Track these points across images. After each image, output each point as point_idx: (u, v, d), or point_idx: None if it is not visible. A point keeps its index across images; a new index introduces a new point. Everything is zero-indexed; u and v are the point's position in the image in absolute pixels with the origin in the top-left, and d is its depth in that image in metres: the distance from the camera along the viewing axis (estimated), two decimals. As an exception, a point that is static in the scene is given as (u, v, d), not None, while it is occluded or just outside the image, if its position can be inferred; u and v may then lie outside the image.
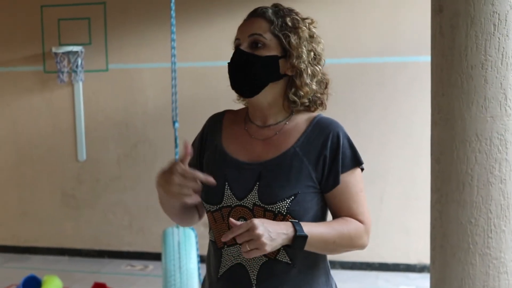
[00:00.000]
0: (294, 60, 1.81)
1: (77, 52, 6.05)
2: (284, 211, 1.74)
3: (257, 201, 1.76)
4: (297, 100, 1.84)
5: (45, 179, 6.39)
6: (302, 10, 1.92)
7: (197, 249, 4.31)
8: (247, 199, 1.78)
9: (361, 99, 5.61)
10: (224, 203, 1.80)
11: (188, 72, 5.83)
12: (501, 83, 2.10)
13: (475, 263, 2.17)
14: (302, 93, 1.83)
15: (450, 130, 2.18)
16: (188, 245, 4.19)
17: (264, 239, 1.62)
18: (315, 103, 1.88)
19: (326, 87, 1.91)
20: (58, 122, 6.30)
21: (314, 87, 1.85)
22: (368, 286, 5.41)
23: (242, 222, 1.67)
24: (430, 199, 2.32)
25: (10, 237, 6.53)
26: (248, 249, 1.63)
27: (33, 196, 6.43)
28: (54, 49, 6.05)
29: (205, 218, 1.96)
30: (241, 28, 1.86)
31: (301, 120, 1.87)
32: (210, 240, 1.90)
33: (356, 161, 1.82)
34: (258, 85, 1.82)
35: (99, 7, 6.08)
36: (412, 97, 5.49)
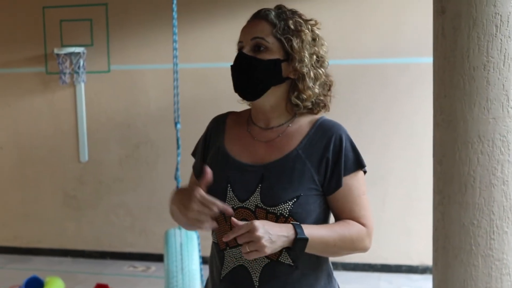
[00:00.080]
0: (297, 64, 1.81)
1: (79, 53, 6.06)
2: (286, 213, 1.74)
3: (259, 203, 1.76)
4: (300, 103, 1.84)
5: (47, 180, 6.39)
6: (305, 11, 1.92)
7: (199, 251, 4.31)
8: (250, 201, 1.78)
9: (363, 100, 5.61)
10: (227, 205, 1.80)
11: (190, 73, 5.83)
12: (503, 85, 2.10)
13: (477, 265, 2.17)
14: (305, 97, 1.83)
15: (452, 132, 2.18)
16: (190, 247, 4.19)
17: (264, 241, 1.63)
18: (318, 105, 1.88)
19: (329, 89, 1.91)
20: (60, 123, 6.30)
21: (316, 90, 1.85)
22: (370, 287, 5.40)
23: (243, 222, 1.67)
24: (432, 201, 2.32)
25: (13, 238, 6.54)
26: (248, 250, 1.64)
27: (35, 197, 6.44)
28: (56, 50, 6.06)
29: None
30: (244, 31, 1.86)
31: (304, 122, 1.87)
32: (213, 242, 1.90)
33: (358, 164, 1.82)
34: (260, 89, 1.82)
35: (101, 8, 6.08)
36: (414, 99, 5.49)
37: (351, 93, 5.48)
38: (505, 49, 2.09)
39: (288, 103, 1.86)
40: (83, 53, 6.07)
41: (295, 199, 1.75)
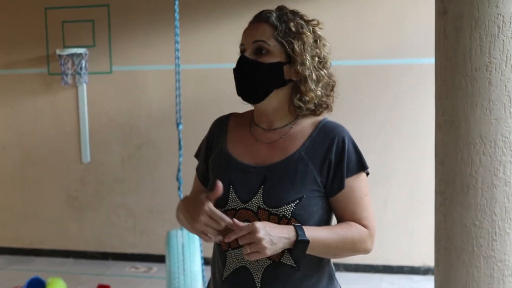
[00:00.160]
0: (298, 67, 1.80)
1: (81, 54, 6.06)
2: (288, 214, 1.74)
3: (262, 204, 1.77)
4: (303, 105, 1.84)
5: (49, 181, 6.40)
6: (307, 12, 1.91)
7: (201, 251, 4.31)
8: (252, 202, 1.78)
9: (366, 101, 5.61)
10: (229, 206, 1.80)
11: (192, 74, 5.83)
12: (505, 85, 2.10)
13: (479, 266, 2.16)
14: (307, 99, 1.83)
15: (454, 133, 2.18)
16: (192, 248, 4.19)
17: (265, 242, 1.63)
18: (321, 106, 1.88)
19: (332, 90, 1.91)
20: (62, 124, 6.30)
21: (319, 92, 1.84)
22: (372, 288, 5.40)
23: (245, 224, 1.67)
24: (434, 202, 2.32)
25: (15, 239, 6.54)
26: (249, 251, 1.64)
27: (37, 198, 6.44)
28: (58, 51, 6.06)
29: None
30: (245, 33, 1.86)
31: (307, 124, 1.87)
32: (215, 243, 1.90)
33: (361, 166, 1.82)
34: (263, 92, 1.82)
35: (103, 9, 6.09)
36: (417, 99, 5.48)
37: (353, 94, 5.48)
38: (507, 50, 2.09)
39: (291, 105, 1.86)
40: (85, 54, 6.08)
41: (297, 201, 1.75)
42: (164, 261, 4.36)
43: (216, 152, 1.92)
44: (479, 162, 2.13)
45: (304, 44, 1.81)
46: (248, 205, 1.78)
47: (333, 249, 1.77)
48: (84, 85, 6.17)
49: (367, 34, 5.59)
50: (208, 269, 2.03)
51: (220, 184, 1.72)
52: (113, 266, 6.11)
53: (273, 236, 1.65)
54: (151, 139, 6.11)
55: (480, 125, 2.12)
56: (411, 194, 5.58)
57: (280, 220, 1.74)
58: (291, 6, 1.89)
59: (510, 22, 2.08)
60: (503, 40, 2.08)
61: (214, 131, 1.96)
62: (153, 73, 6.06)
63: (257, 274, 1.80)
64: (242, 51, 1.85)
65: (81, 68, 6.07)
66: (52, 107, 6.32)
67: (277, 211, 1.75)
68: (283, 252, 1.75)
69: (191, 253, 4.17)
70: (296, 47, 1.80)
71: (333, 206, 1.83)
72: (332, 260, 1.93)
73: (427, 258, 5.40)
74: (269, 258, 1.77)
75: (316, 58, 1.84)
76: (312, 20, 1.88)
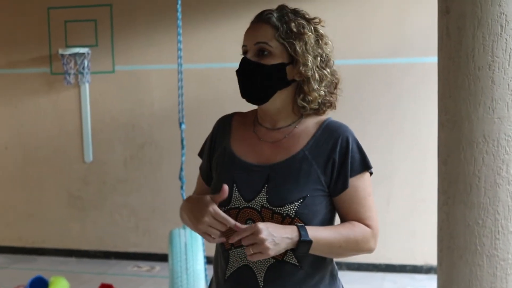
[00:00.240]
0: (301, 67, 1.80)
1: (83, 53, 6.07)
2: (292, 214, 1.74)
3: (265, 203, 1.77)
4: (306, 105, 1.84)
5: (52, 180, 6.40)
6: (309, 11, 1.90)
7: (204, 250, 4.31)
8: (255, 201, 1.78)
9: (368, 101, 5.61)
10: (232, 204, 1.80)
11: (194, 74, 5.84)
12: (508, 84, 2.09)
13: (482, 265, 2.16)
14: (311, 98, 1.83)
15: (457, 132, 2.18)
16: (194, 246, 4.19)
17: (268, 243, 1.64)
18: (324, 105, 1.88)
19: (335, 88, 1.90)
20: (65, 124, 6.31)
21: (322, 92, 1.84)
22: (374, 287, 5.40)
23: (246, 225, 1.68)
24: (437, 201, 2.32)
25: (17, 239, 6.55)
26: (252, 252, 1.65)
27: (40, 197, 6.45)
28: (60, 51, 6.07)
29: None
30: (247, 34, 1.85)
31: (311, 123, 1.87)
32: (218, 241, 1.90)
33: (365, 165, 1.82)
34: (266, 94, 1.82)
35: (106, 9, 6.09)
36: (419, 99, 5.48)
37: (356, 93, 5.48)
38: (510, 48, 2.09)
39: (295, 105, 1.86)
40: (88, 53, 6.08)
41: (301, 200, 1.75)
42: (167, 260, 4.37)
43: (219, 151, 1.92)
44: (482, 161, 2.13)
45: (305, 44, 1.80)
46: (251, 204, 1.78)
47: (336, 249, 1.77)
48: (87, 85, 6.18)
49: (369, 33, 5.58)
50: (211, 268, 2.03)
51: (226, 187, 1.72)
52: (116, 265, 6.12)
53: (276, 236, 1.66)
54: (154, 138, 6.11)
55: (483, 124, 2.12)
56: (414, 193, 5.58)
57: (284, 219, 1.74)
58: (292, 5, 1.88)
59: (513, 21, 2.08)
60: (506, 39, 2.08)
61: (218, 130, 1.97)
62: (155, 73, 6.07)
63: (259, 273, 1.80)
64: (244, 53, 1.85)
65: (83, 68, 6.07)
66: (54, 107, 6.33)
67: (280, 210, 1.75)
68: (286, 251, 1.75)
69: (194, 252, 4.18)
70: (297, 48, 1.79)
71: (337, 205, 1.83)
72: (335, 259, 1.93)
73: (430, 257, 5.40)
74: (272, 256, 1.77)
75: (319, 58, 1.83)
76: (314, 18, 1.87)
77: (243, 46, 1.85)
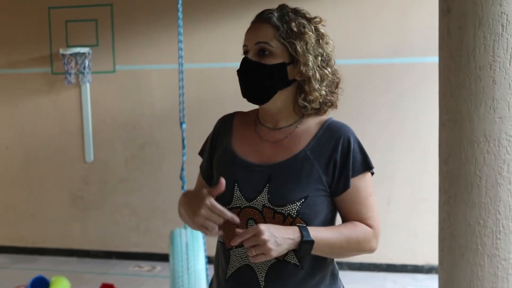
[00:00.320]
0: (302, 67, 1.80)
1: (84, 53, 6.07)
2: (294, 213, 1.74)
3: (267, 203, 1.77)
4: (307, 105, 1.84)
5: (53, 180, 6.41)
6: (310, 10, 1.90)
7: (205, 250, 4.31)
8: (257, 201, 1.78)
9: (369, 100, 5.61)
10: (234, 204, 1.80)
11: (194, 74, 5.84)
12: (509, 84, 2.09)
13: (483, 264, 2.16)
14: (312, 98, 1.83)
15: (458, 131, 2.17)
16: (196, 246, 4.19)
17: (270, 244, 1.64)
18: (326, 104, 1.88)
19: (337, 87, 1.90)
20: (66, 124, 6.32)
21: (323, 92, 1.84)
22: (375, 287, 5.40)
23: (247, 228, 1.68)
24: (438, 200, 2.32)
25: (18, 238, 6.55)
26: (254, 254, 1.65)
27: (41, 197, 6.45)
28: (61, 51, 6.07)
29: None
30: (248, 34, 1.85)
31: (312, 123, 1.87)
32: (219, 241, 1.90)
33: (366, 166, 1.82)
34: (267, 93, 1.82)
35: (106, 8, 6.09)
36: (420, 98, 5.48)
37: (356, 93, 5.48)
38: (511, 48, 2.09)
39: (296, 104, 1.86)
40: (89, 53, 6.09)
41: (303, 200, 1.75)
42: (168, 260, 4.37)
43: (220, 151, 1.92)
44: (483, 160, 2.13)
45: (306, 44, 1.80)
46: (253, 204, 1.78)
47: (338, 249, 1.77)
48: (88, 85, 6.18)
49: (370, 33, 5.58)
50: (212, 267, 2.03)
51: (223, 181, 1.72)
52: (117, 265, 6.12)
53: (278, 237, 1.66)
54: (155, 138, 6.12)
55: (484, 123, 2.12)
56: (415, 193, 5.58)
57: (285, 219, 1.74)
58: (293, 5, 1.88)
59: (514, 20, 2.08)
60: (507, 39, 2.08)
61: (219, 130, 1.96)
62: (156, 73, 6.07)
63: (261, 273, 1.80)
64: (245, 52, 1.85)
65: (84, 68, 6.08)
66: (55, 107, 6.33)
67: (282, 209, 1.75)
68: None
69: (195, 252, 4.18)
70: (298, 47, 1.79)
71: (338, 205, 1.83)
72: (336, 259, 1.93)
73: (431, 257, 5.40)
74: (273, 257, 1.77)
75: (319, 57, 1.83)
76: (315, 17, 1.87)
77: (244, 46, 1.85)
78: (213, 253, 1.99)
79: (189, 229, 4.22)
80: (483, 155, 2.13)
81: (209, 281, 2.05)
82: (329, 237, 1.74)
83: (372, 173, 1.85)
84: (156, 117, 6.10)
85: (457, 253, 2.21)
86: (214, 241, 1.97)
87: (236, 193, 1.81)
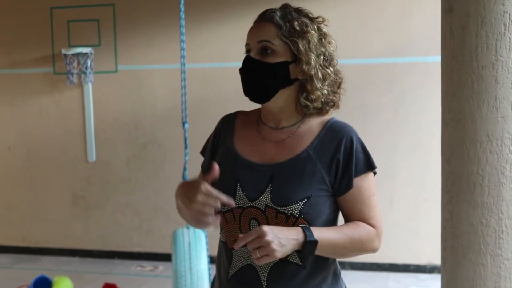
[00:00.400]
0: (304, 66, 1.80)
1: (86, 53, 6.07)
2: (296, 213, 1.74)
3: (269, 203, 1.77)
4: (309, 104, 1.84)
5: (55, 180, 6.41)
6: (312, 10, 1.90)
7: (207, 250, 4.31)
8: (259, 200, 1.78)
9: (371, 100, 5.60)
10: (236, 203, 1.80)
11: (196, 74, 5.84)
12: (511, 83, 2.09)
13: (486, 264, 2.16)
14: (314, 97, 1.83)
15: (460, 131, 2.17)
16: (198, 246, 4.19)
17: (274, 245, 1.64)
18: (328, 104, 1.87)
19: (339, 87, 1.90)
20: (68, 124, 6.32)
21: (325, 91, 1.84)
22: (378, 287, 5.40)
23: (250, 230, 1.68)
24: (440, 200, 2.32)
25: (21, 238, 6.56)
26: (259, 255, 1.64)
27: (43, 197, 6.46)
28: (63, 51, 6.08)
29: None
30: (250, 33, 1.85)
31: (315, 123, 1.86)
32: (221, 241, 1.90)
33: (369, 166, 1.82)
34: (269, 92, 1.82)
35: (108, 8, 6.10)
36: (422, 98, 5.48)
37: (358, 92, 5.48)
38: (514, 47, 2.09)
39: (298, 104, 1.85)
40: (91, 53, 6.09)
41: (305, 200, 1.75)
42: (170, 259, 4.37)
43: (222, 150, 1.92)
44: (486, 160, 2.13)
45: (309, 43, 1.80)
46: (255, 203, 1.78)
47: (341, 249, 1.77)
48: (90, 85, 6.19)
49: (371, 32, 5.58)
50: (214, 267, 2.03)
51: (216, 166, 1.72)
52: (119, 265, 6.13)
53: (281, 238, 1.66)
54: (157, 138, 6.12)
55: (487, 123, 2.11)
56: (417, 192, 5.58)
57: (288, 219, 1.74)
58: (295, 4, 1.88)
59: (516, 20, 2.08)
60: (510, 38, 2.08)
61: (221, 129, 1.96)
62: (158, 73, 6.07)
63: (263, 273, 1.80)
64: (248, 51, 1.85)
65: (86, 68, 6.08)
66: (57, 107, 6.33)
67: (285, 209, 1.75)
68: (289, 251, 1.75)
69: (198, 252, 4.18)
70: (300, 46, 1.79)
71: (341, 205, 1.83)
72: (338, 259, 1.93)
73: (433, 257, 5.40)
74: (276, 257, 1.77)
75: (322, 57, 1.83)
76: (317, 17, 1.87)
77: (246, 44, 1.85)
78: (215, 253, 1.99)
79: (191, 229, 4.22)
80: (485, 155, 2.13)
81: (212, 281, 2.04)
82: (332, 237, 1.74)
83: (375, 173, 1.85)
84: (158, 117, 6.10)
85: (459, 253, 2.21)
86: (216, 241, 1.97)
87: (238, 193, 1.80)
